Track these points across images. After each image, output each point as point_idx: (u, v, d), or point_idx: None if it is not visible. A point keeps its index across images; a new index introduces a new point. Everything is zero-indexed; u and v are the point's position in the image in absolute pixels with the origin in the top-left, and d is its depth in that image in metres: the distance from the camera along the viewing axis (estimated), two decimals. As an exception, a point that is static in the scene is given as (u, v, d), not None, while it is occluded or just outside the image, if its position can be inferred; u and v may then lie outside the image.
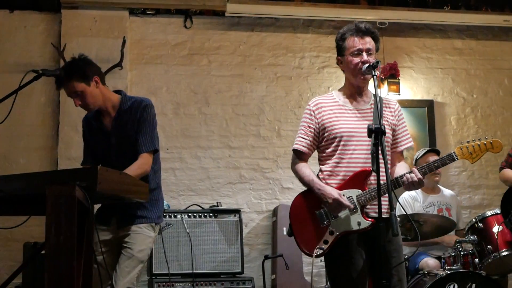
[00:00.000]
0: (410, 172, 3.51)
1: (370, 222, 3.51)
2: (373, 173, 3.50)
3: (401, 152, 3.79)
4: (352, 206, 3.51)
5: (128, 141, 3.96)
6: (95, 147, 4.10)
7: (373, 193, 3.50)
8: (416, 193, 5.79)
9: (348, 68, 3.68)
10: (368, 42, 3.64)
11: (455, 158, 3.60)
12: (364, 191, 3.53)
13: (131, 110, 4.00)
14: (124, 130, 3.98)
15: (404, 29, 7.25)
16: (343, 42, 3.69)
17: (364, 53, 3.61)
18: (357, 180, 3.56)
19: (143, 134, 3.94)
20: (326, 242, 3.57)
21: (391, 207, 3.18)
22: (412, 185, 3.51)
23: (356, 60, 3.61)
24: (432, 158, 5.64)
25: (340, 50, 3.72)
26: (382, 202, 3.33)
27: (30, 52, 6.51)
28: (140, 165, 3.87)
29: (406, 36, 7.28)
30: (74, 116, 6.13)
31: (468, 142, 3.65)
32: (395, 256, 3.52)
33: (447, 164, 3.65)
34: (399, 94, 6.90)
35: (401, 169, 3.66)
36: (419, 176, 3.49)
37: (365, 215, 3.54)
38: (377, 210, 3.46)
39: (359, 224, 3.52)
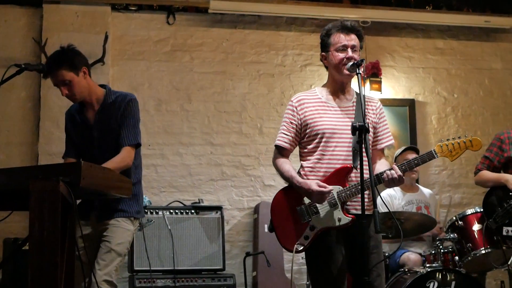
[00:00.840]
0: (390, 169, 3.53)
1: (350, 219, 3.53)
2: (354, 170, 3.54)
3: (382, 149, 3.81)
4: (332, 189, 3.52)
5: (111, 135, 3.95)
6: (77, 141, 4.08)
7: (353, 190, 3.53)
8: (395, 191, 5.82)
9: (332, 64, 3.70)
10: (353, 39, 3.68)
11: (435, 155, 3.62)
12: (345, 188, 3.55)
13: (115, 104, 3.99)
14: (107, 124, 3.97)
15: (386, 29, 7.29)
16: (328, 38, 3.71)
17: (349, 49, 3.63)
18: (338, 176, 3.58)
19: (126, 127, 3.94)
20: (306, 238, 3.60)
21: (374, 204, 3.21)
22: (392, 182, 3.53)
23: (341, 55, 3.64)
24: (411, 156, 5.67)
25: (325, 46, 3.74)
26: (364, 196, 3.35)
27: (10, 47, 6.44)
28: (122, 158, 3.87)
29: (389, 36, 7.31)
30: (55, 111, 6.09)
31: (448, 140, 3.67)
32: (374, 253, 3.56)
33: (427, 162, 3.67)
34: (381, 93, 6.93)
35: (381, 166, 3.68)
36: (399, 173, 3.51)
37: (346, 211, 3.56)
38: (357, 207, 3.52)
39: (339, 220, 3.54)
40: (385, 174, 3.53)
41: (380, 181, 3.55)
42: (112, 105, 4.00)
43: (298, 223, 3.63)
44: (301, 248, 3.61)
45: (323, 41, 3.75)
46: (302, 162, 3.75)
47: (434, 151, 3.62)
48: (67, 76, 3.87)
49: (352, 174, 3.58)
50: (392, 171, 3.51)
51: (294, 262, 6.41)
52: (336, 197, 3.55)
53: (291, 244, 3.63)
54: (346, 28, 3.69)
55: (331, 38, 3.69)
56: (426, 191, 6.01)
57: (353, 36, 3.68)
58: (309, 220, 3.60)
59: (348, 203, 3.58)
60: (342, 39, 3.66)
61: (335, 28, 3.70)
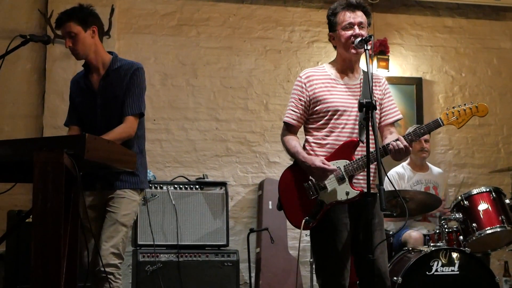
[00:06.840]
0: (396, 140, 3.49)
1: (358, 192, 3.51)
2: (361, 144, 3.51)
3: (391, 124, 3.77)
4: (336, 169, 3.50)
5: (115, 102, 3.91)
6: (81, 108, 4.04)
7: (360, 163, 3.50)
8: (404, 170, 5.79)
9: (340, 42, 3.67)
10: (360, 16, 3.64)
11: (441, 123, 3.57)
12: (352, 161, 3.53)
13: (120, 71, 3.95)
14: (111, 90, 3.93)
15: (395, 6, 7.22)
16: (334, 17, 3.70)
17: (356, 27, 3.61)
18: (344, 150, 3.56)
19: (131, 96, 3.90)
20: (315, 213, 3.56)
21: (380, 181, 3.18)
22: (398, 153, 3.48)
23: (348, 33, 3.61)
24: (425, 138, 5.65)
25: (332, 25, 3.72)
26: (370, 174, 3.32)
27: (16, 18, 6.39)
28: (125, 128, 3.84)
29: (397, 13, 7.25)
30: (60, 84, 6.07)
31: (454, 107, 3.63)
32: (377, 230, 3.55)
33: (433, 130, 3.65)
34: (388, 71, 6.88)
35: (393, 138, 3.64)
36: (405, 143, 3.46)
37: (353, 185, 3.54)
38: (362, 185, 3.52)
39: (347, 194, 3.52)
40: (390, 145, 3.48)
41: (387, 153, 3.52)
42: (117, 72, 3.96)
43: (306, 200, 3.60)
44: (310, 223, 3.59)
45: (330, 21, 3.73)
46: (308, 137, 3.72)
47: (440, 119, 3.57)
48: (74, 28, 3.87)
49: (360, 149, 3.55)
50: (398, 142, 3.47)
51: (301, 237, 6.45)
52: (343, 171, 3.53)
53: (299, 221, 3.59)
54: (351, 6, 3.66)
55: (337, 17, 3.67)
56: (436, 170, 5.95)
57: (359, 13, 3.65)
58: (317, 195, 3.58)
59: (355, 180, 3.56)
60: (348, 17, 3.63)
61: (340, 6, 3.68)
